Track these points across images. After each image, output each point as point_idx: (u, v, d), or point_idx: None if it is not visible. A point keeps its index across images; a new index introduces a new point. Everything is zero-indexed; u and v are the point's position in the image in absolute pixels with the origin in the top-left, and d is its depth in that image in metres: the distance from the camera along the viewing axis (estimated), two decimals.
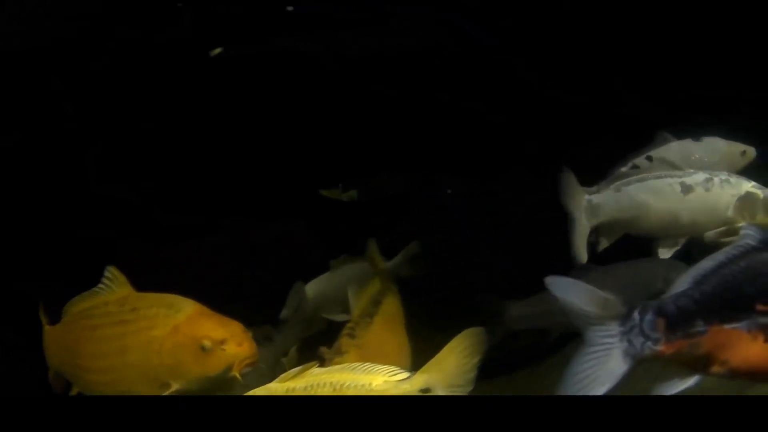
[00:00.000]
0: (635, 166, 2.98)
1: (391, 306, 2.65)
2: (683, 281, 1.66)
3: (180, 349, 2.22)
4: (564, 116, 3.43)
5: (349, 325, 2.45)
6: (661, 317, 1.58)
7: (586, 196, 2.69)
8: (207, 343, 2.17)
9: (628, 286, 2.86)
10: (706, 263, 1.69)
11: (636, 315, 1.58)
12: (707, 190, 2.63)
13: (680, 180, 2.64)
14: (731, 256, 1.69)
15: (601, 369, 1.56)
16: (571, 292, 1.59)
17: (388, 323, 2.55)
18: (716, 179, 2.63)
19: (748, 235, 1.71)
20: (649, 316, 1.57)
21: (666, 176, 2.66)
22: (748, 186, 2.63)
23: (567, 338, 3.10)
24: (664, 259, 2.95)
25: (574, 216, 2.71)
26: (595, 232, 2.78)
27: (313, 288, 3.18)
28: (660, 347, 1.57)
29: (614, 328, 1.57)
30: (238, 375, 2.17)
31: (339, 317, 2.95)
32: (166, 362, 2.24)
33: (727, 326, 1.60)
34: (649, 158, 2.98)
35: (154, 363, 2.25)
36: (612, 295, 1.58)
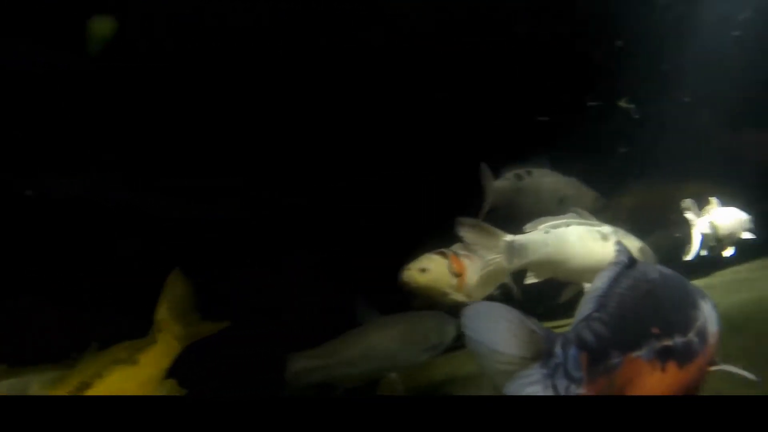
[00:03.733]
0: (517, 175, 3.24)
1: (127, 374, 2.08)
2: (586, 304, 1.39)
3: None
4: None
5: None
6: (583, 350, 1.27)
7: (507, 237, 2.54)
8: None
9: (409, 337, 2.81)
10: (599, 283, 1.45)
11: (558, 350, 1.25)
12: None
13: (597, 229, 2.72)
14: (615, 274, 1.48)
15: None
16: (492, 322, 1.22)
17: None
18: (620, 232, 2.79)
19: (620, 251, 1.54)
20: (572, 351, 1.26)
21: (586, 224, 2.72)
22: (638, 244, 2.86)
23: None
24: (435, 312, 2.90)
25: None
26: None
27: None
28: (583, 389, 1.26)
29: (536, 371, 1.23)
30: None
31: None
32: None
33: (634, 354, 1.35)
34: (529, 172, 3.28)
35: None
36: (537, 325, 1.24)
